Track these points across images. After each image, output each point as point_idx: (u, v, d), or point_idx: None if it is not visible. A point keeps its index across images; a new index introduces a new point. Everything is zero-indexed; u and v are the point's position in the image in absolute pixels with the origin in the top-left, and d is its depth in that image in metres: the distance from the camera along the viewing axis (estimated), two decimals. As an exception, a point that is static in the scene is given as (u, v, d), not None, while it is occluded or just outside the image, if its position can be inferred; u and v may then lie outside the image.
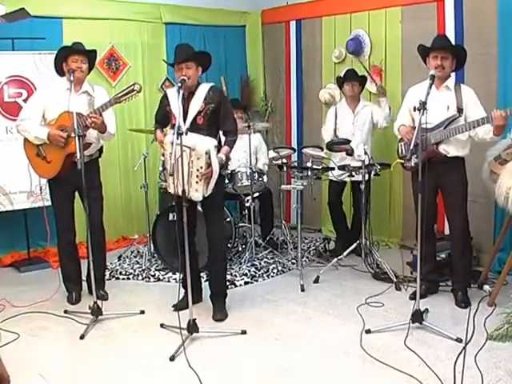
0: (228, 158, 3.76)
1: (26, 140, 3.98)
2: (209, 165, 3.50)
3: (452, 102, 3.77)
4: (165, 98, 3.82)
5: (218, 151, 3.66)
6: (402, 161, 3.98)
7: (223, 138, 3.80)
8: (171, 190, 3.61)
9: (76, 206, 4.11)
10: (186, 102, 3.66)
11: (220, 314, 3.80)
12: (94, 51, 4.00)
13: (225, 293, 3.93)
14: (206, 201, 3.67)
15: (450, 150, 3.78)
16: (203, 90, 3.71)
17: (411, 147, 3.33)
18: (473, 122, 3.59)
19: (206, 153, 3.47)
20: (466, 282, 3.98)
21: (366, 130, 5.02)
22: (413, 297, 3.87)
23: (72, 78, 3.72)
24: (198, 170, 3.48)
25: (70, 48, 3.90)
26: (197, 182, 3.50)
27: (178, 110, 3.45)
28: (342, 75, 5.16)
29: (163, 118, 3.86)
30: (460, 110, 3.72)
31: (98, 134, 3.98)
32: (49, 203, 4.27)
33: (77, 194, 4.07)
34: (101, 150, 4.15)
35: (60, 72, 3.95)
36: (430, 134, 3.73)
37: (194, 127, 3.62)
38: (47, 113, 3.91)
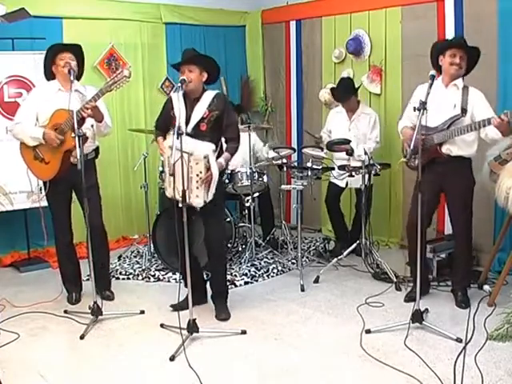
0: (227, 164, 3.76)
1: (21, 145, 3.97)
2: (208, 169, 3.49)
3: (459, 101, 3.70)
4: (169, 102, 3.79)
5: (219, 157, 3.64)
6: (407, 160, 3.95)
7: (225, 145, 3.78)
8: (168, 194, 3.60)
9: (75, 206, 4.09)
10: (190, 107, 3.66)
11: (224, 313, 3.81)
12: (79, 46, 3.94)
13: (226, 292, 3.94)
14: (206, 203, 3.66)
15: (453, 149, 3.71)
16: (208, 96, 3.70)
17: (411, 147, 3.32)
18: (476, 123, 3.51)
19: (205, 157, 3.45)
20: (466, 282, 3.97)
21: (362, 137, 4.98)
22: (407, 299, 3.94)
23: (72, 78, 3.69)
24: (197, 175, 3.46)
25: (55, 45, 3.91)
26: (197, 188, 3.48)
27: (179, 111, 3.44)
28: (335, 89, 5.08)
29: (165, 122, 3.80)
30: (463, 111, 3.66)
31: (96, 128, 3.93)
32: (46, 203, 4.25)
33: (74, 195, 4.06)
34: (97, 151, 4.13)
35: (49, 75, 3.95)
36: (433, 134, 3.70)
37: (197, 133, 3.61)
38: (40, 116, 3.89)
